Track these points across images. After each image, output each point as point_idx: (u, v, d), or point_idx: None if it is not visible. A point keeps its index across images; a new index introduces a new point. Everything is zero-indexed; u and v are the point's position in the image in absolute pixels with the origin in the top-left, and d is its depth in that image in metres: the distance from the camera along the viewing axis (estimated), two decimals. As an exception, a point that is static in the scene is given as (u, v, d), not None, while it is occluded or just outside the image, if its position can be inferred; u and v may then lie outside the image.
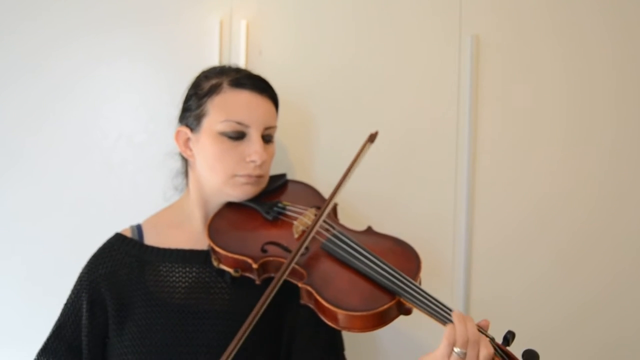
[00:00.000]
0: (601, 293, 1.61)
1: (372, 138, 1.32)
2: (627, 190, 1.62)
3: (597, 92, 1.63)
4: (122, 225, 1.36)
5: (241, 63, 1.55)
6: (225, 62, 1.52)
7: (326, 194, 1.42)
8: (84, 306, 1.26)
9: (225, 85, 1.28)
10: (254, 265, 1.18)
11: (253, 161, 1.27)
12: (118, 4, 1.57)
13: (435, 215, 1.59)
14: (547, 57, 1.62)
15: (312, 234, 1.16)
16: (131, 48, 1.58)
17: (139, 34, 1.58)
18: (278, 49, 1.59)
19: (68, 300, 1.29)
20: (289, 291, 1.19)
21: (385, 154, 1.58)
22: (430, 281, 1.52)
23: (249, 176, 1.28)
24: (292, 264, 1.13)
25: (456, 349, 0.98)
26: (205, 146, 1.28)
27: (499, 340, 1.02)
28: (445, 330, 1.00)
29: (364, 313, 1.06)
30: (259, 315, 1.06)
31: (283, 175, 1.47)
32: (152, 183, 1.52)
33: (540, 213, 1.61)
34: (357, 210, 1.54)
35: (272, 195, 1.39)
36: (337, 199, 1.38)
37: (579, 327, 1.60)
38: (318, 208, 1.35)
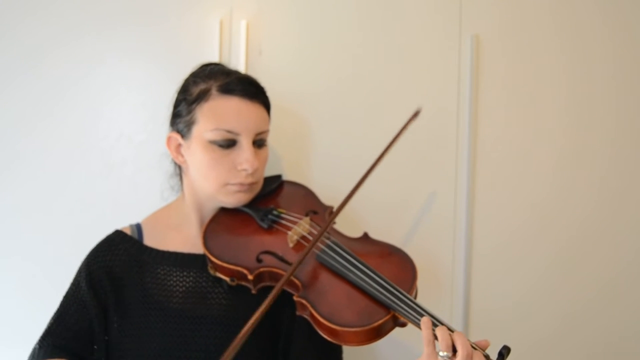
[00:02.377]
0: (602, 295, 1.60)
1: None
2: (627, 191, 1.62)
3: (597, 91, 1.62)
4: (122, 225, 1.37)
5: (241, 63, 1.55)
6: (225, 62, 1.51)
7: (323, 197, 1.43)
8: (86, 292, 1.24)
9: (213, 91, 1.25)
10: (250, 277, 1.18)
11: (244, 170, 1.26)
12: (118, 4, 1.56)
13: (435, 218, 1.59)
14: (547, 57, 1.61)
15: (309, 251, 1.15)
16: (131, 48, 1.57)
17: (139, 34, 1.57)
18: (278, 49, 1.59)
19: (68, 292, 1.28)
20: (286, 297, 1.19)
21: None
22: (430, 286, 1.54)
23: (242, 184, 1.27)
24: (290, 277, 1.13)
25: (442, 353, 0.98)
26: (196, 154, 1.26)
27: (494, 356, 1.01)
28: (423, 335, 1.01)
29: (359, 329, 1.05)
30: (250, 330, 1.04)
31: (279, 177, 1.46)
32: (152, 183, 1.52)
33: (540, 215, 1.60)
34: (356, 214, 1.54)
35: (268, 199, 1.38)
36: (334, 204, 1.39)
37: (579, 329, 1.60)
38: (314, 213, 1.35)
